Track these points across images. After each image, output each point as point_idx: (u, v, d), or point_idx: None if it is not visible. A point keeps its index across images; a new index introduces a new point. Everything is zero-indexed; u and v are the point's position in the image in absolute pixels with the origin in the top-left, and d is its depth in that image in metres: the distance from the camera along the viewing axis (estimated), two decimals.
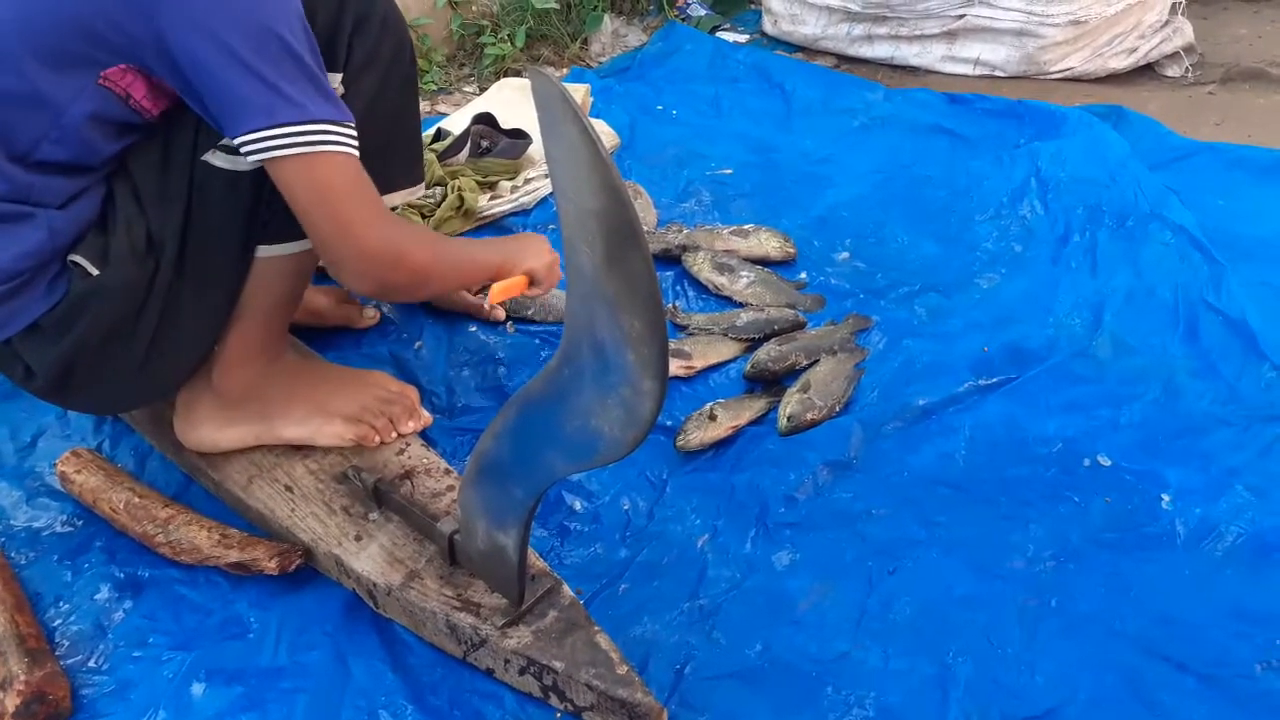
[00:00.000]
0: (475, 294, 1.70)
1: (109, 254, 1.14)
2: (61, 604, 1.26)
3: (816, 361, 1.60)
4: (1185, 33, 2.70)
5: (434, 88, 2.78)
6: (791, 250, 1.89)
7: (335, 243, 1.12)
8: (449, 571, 1.21)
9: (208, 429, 1.37)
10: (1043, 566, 1.27)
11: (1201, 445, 1.44)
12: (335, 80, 1.20)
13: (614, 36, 3.02)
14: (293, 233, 1.21)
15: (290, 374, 1.39)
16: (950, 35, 2.75)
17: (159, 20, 1.00)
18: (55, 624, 1.24)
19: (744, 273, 1.81)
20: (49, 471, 1.44)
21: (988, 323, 1.70)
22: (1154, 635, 1.19)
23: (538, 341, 1.69)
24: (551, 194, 1.86)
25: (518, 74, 2.75)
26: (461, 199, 1.93)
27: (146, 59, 1.04)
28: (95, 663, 1.19)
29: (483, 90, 2.62)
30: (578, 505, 1.38)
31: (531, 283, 1.38)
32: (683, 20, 3.10)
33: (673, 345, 1.59)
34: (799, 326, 1.69)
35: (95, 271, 1.14)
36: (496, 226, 2.01)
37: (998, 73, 2.73)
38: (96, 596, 1.27)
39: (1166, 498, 1.35)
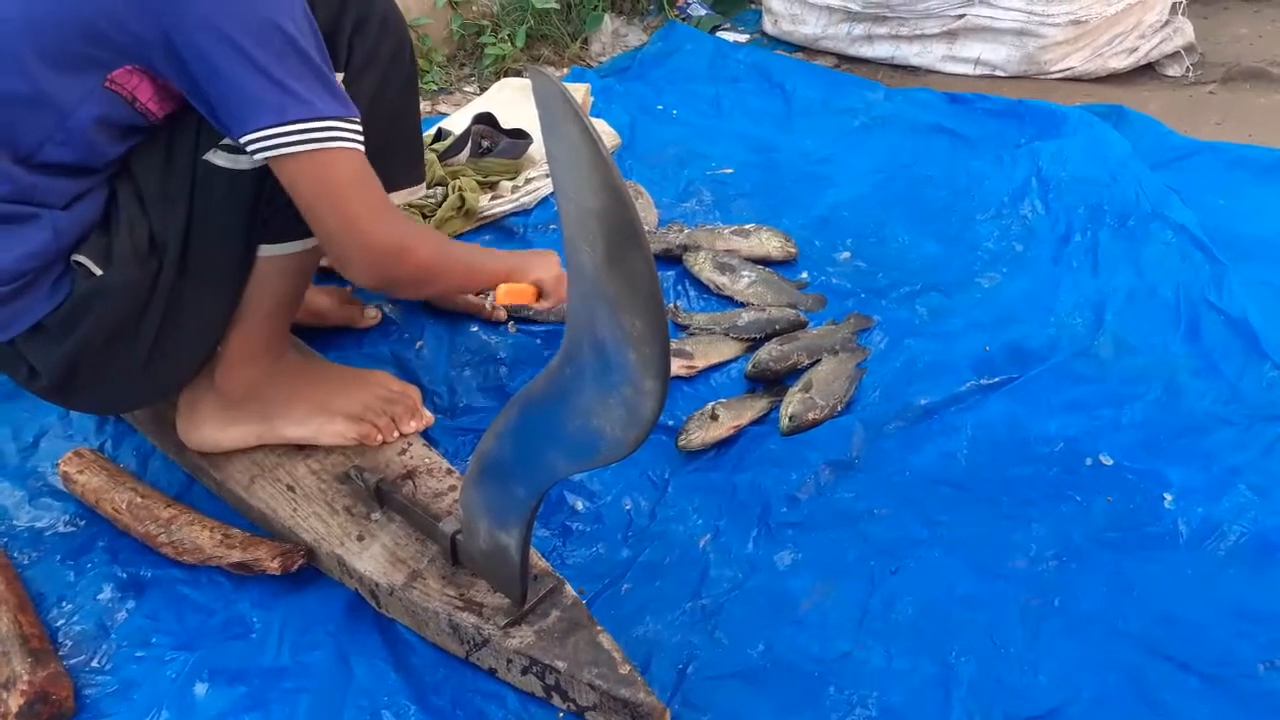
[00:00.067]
0: (478, 295, 1.70)
1: (112, 254, 1.14)
2: (64, 604, 1.26)
3: (818, 361, 1.60)
4: (1186, 32, 2.70)
5: (434, 88, 2.78)
6: (793, 250, 1.89)
7: (341, 237, 1.12)
8: (451, 571, 1.21)
9: (210, 429, 1.37)
10: (1045, 566, 1.27)
11: (1203, 444, 1.44)
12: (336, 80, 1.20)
13: (614, 36, 3.02)
14: (294, 232, 1.21)
15: (292, 374, 1.39)
16: (950, 35, 2.75)
17: (165, 18, 1.00)
18: (58, 624, 1.24)
19: (745, 272, 1.81)
20: (51, 472, 1.44)
21: (989, 322, 1.70)
22: (1157, 635, 1.19)
23: (539, 341, 1.69)
24: (552, 194, 1.87)
25: (518, 74, 2.75)
26: (462, 199, 1.93)
27: (153, 59, 1.04)
28: (98, 663, 1.19)
29: (483, 90, 2.62)
30: (580, 505, 1.38)
31: (539, 295, 1.39)
32: (683, 20, 3.10)
33: (674, 345, 1.59)
34: (800, 326, 1.69)
35: (99, 272, 1.14)
36: (497, 226, 2.01)
37: (998, 72, 2.73)
38: (99, 596, 1.27)
39: (1169, 497, 1.35)
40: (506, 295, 1.37)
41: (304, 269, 1.31)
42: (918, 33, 2.77)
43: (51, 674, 1.12)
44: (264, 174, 1.13)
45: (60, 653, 1.19)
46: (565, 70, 2.87)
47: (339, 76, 1.20)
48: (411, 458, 1.38)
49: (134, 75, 1.07)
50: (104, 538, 1.34)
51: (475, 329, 1.71)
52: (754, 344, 1.65)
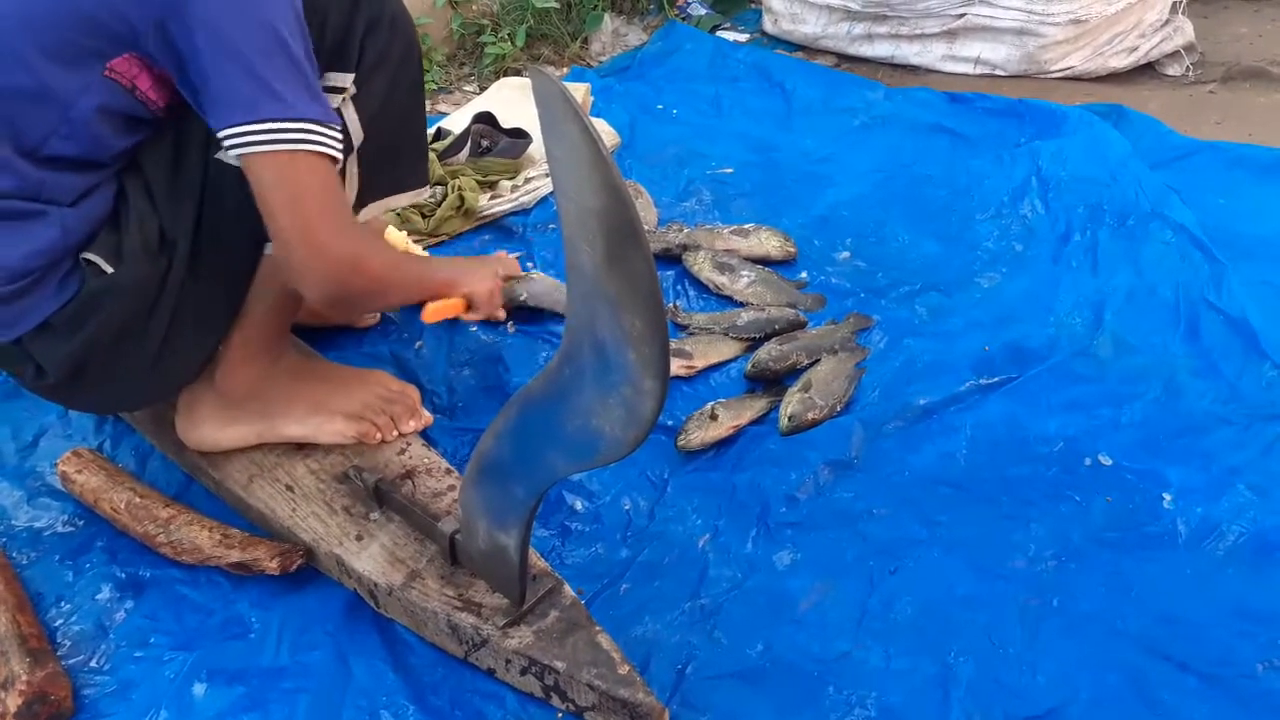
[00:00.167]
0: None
1: (123, 251, 1.14)
2: (63, 604, 1.26)
3: (817, 361, 1.59)
4: (1186, 32, 2.69)
5: (434, 87, 2.78)
6: (792, 249, 1.89)
7: (298, 244, 1.10)
8: (450, 571, 1.21)
9: (209, 428, 1.37)
10: (1044, 566, 1.27)
11: (1203, 444, 1.44)
12: (348, 80, 1.20)
13: (614, 36, 3.02)
14: None
15: (292, 373, 1.39)
16: (950, 34, 2.75)
17: (161, 8, 1.01)
18: (57, 624, 1.24)
19: (745, 272, 1.80)
20: (50, 471, 1.44)
21: (989, 322, 1.70)
22: (1156, 635, 1.18)
23: (539, 341, 1.69)
24: (552, 193, 1.86)
25: (518, 73, 2.75)
26: (462, 198, 1.93)
27: (149, 47, 1.05)
28: (97, 663, 1.19)
29: (483, 89, 2.62)
30: (579, 505, 1.38)
31: (469, 307, 1.41)
32: (683, 19, 3.10)
33: (673, 345, 1.59)
34: (800, 326, 1.69)
35: (110, 269, 1.14)
36: (497, 226, 2.01)
37: (998, 72, 2.73)
38: (98, 596, 1.27)
39: (1168, 497, 1.35)
40: (434, 314, 1.41)
41: None
42: (918, 32, 2.77)
43: (50, 674, 1.11)
44: None
45: (59, 653, 1.19)
46: (565, 70, 2.87)
47: (350, 77, 1.20)
48: (410, 457, 1.38)
49: (133, 64, 1.07)
50: (103, 537, 1.34)
51: (474, 329, 1.71)
52: (753, 344, 1.65)
